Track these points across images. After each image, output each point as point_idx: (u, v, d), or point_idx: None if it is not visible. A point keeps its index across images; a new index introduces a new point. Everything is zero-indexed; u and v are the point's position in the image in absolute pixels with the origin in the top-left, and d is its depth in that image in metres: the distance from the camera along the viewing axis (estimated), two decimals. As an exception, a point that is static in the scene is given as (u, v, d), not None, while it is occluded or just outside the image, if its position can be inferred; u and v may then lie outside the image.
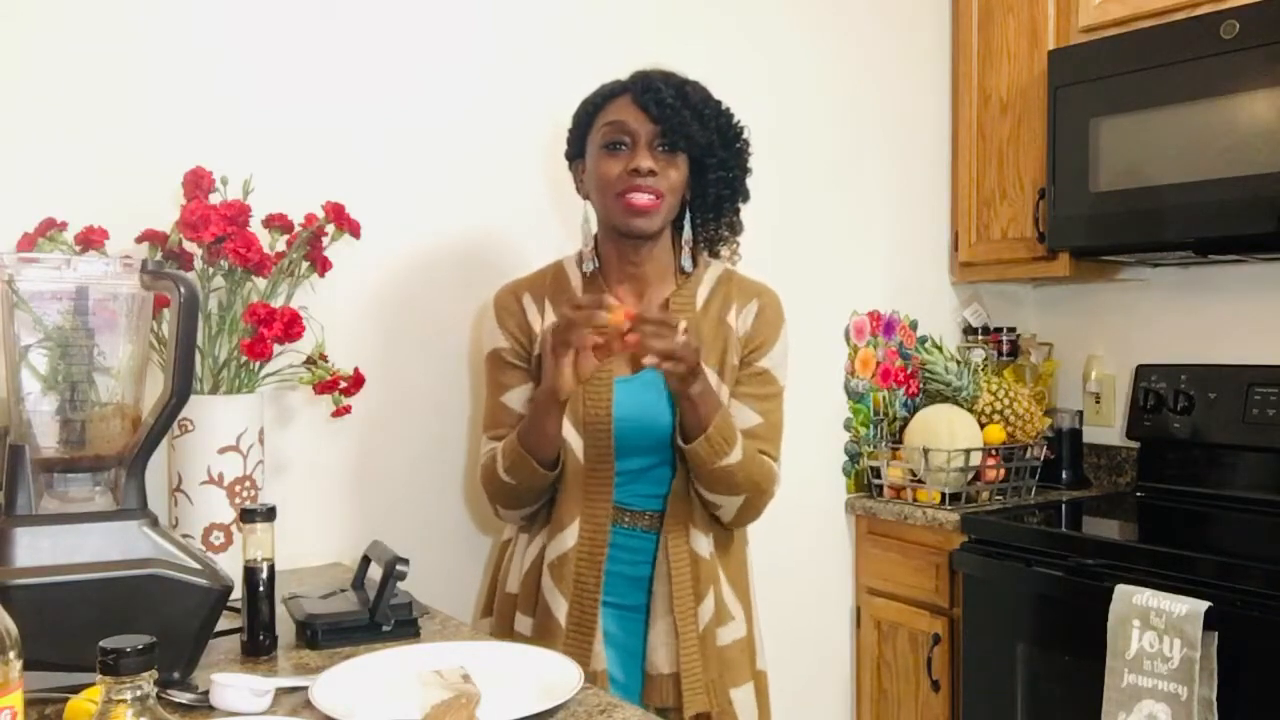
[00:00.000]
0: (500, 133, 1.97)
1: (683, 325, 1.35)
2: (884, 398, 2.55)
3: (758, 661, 1.60)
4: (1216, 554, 1.87)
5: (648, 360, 1.33)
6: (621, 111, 1.50)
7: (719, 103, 1.54)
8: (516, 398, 1.56)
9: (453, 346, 1.92)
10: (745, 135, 1.57)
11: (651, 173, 1.47)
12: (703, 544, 1.52)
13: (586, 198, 1.59)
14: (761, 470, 1.51)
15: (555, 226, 1.99)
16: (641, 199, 1.48)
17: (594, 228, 1.61)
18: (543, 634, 1.50)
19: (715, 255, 1.64)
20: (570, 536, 1.50)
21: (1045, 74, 2.39)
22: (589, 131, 1.55)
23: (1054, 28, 2.44)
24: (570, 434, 1.49)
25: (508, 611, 1.57)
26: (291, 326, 1.50)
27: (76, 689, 1.00)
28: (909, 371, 2.60)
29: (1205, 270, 2.49)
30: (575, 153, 1.60)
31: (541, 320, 1.57)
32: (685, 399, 1.41)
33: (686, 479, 1.51)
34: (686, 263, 1.59)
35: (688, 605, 1.50)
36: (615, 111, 1.51)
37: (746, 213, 1.63)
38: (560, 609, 1.50)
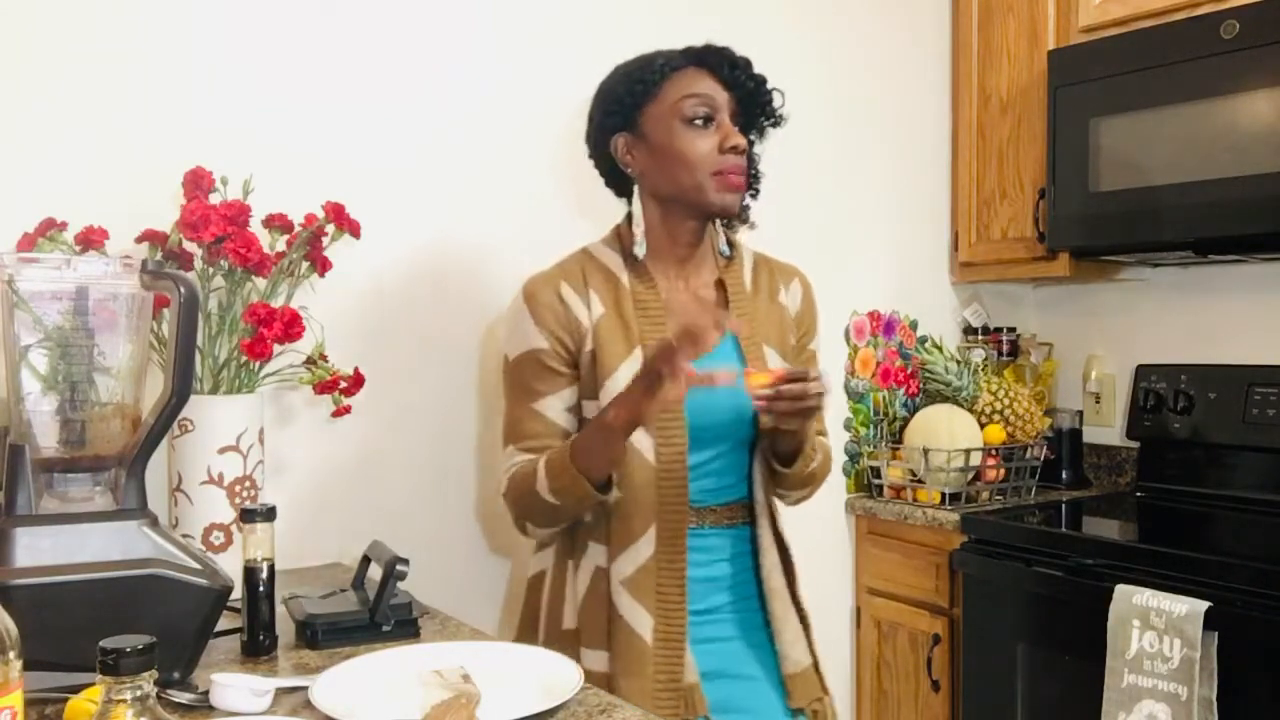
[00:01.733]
0: (501, 132, 1.97)
1: (814, 373, 1.29)
2: (884, 398, 2.55)
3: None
4: (1216, 554, 1.87)
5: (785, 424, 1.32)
6: (700, 84, 1.42)
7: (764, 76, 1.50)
8: (555, 405, 1.43)
9: (453, 345, 1.92)
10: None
11: (744, 150, 1.42)
12: (778, 528, 1.52)
13: (641, 173, 1.46)
14: (828, 456, 1.55)
15: (555, 224, 1.98)
16: (737, 177, 1.41)
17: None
18: (626, 660, 1.36)
19: (729, 224, 1.56)
20: (646, 547, 1.38)
21: (1045, 74, 2.39)
22: (647, 102, 1.43)
23: (1054, 28, 2.44)
24: (638, 436, 1.37)
25: (569, 650, 1.37)
26: (291, 326, 1.50)
27: (76, 689, 1.00)
28: (909, 371, 2.60)
29: (1205, 270, 2.49)
30: (620, 125, 1.46)
31: (588, 312, 1.43)
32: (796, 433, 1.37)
33: (763, 463, 1.47)
34: (724, 245, 1.53)
35: (801, 593, 1.50)
36: (692, 84, 1.41)
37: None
38: (645, 626, 1.37)
